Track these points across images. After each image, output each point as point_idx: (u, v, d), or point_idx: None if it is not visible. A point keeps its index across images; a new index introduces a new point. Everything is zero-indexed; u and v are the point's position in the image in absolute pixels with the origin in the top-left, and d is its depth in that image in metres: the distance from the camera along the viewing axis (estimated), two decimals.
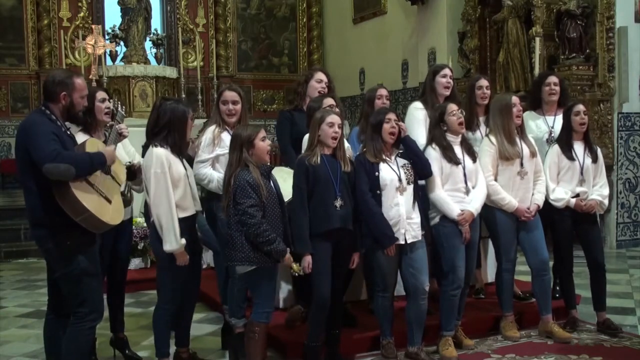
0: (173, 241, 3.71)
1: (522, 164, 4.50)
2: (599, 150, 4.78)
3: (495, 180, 4.48)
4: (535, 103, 5.17)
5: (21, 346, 4.75)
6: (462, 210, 4.23)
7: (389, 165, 4.08)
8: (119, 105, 4.07)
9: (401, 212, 4.04)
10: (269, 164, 3.89)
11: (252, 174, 3.68)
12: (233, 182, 3.69)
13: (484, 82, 4.96)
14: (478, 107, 4.93)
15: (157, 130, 3.83)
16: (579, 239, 4.74)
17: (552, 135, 4.96)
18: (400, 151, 4.19)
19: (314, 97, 4.72)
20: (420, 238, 4.11)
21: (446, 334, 4.32)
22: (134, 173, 4.08)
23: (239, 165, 3.72)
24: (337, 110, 4.27)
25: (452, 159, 4.26)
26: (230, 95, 4.35)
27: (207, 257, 6.15)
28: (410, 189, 4.10)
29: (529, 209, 4.50)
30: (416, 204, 4.12)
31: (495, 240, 4.65)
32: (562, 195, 4.59)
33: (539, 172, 4.62)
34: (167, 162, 3.75)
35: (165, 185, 3.73)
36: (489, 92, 4.94)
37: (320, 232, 3.88)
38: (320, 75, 4.90)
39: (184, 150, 3.94)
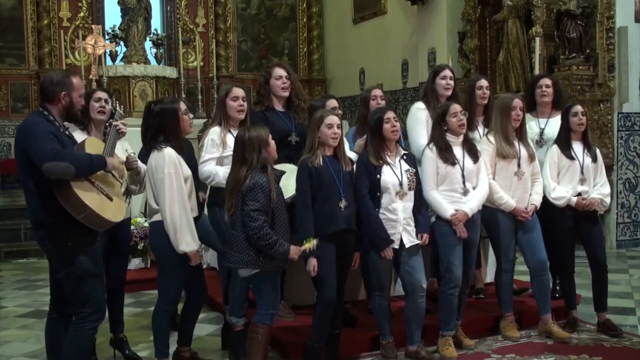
0: (190, 241, 3.72)
1: (519, 165, 4.50)
2: (597, 150, 4.79)
3: (493, 179, 4.48)
4: (529, 105, 5.16)
5: (21, 346, 4.75)
6: (456, 210, 4.22)
7: (392, 169, 4.08)
8: (117, 104, 4.09)
9: (399, 217, 4.05)
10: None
11: (266, 177, 3.64)
12: (248, 182, 3.63)
13: (484, 83, 4.97)
14: (477, 107, 4.95)
15: (152, 135, 3.83)
16: (581, 238, 4.74)
17: (543, 137, 4.97)
18: (405, 153, 4.19)
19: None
20: (416, 242, 4.11)
21: (446, 334, 4.32)
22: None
23: (257, 165, 3.67)
24: (339, 112, 4.25)
25: (449, 160, 4.24)
26: (240, 91, 4.37)
27: (207, 257, 6.15)
28: (410, 194, 4.10)
29: (526, 209, 4.50)
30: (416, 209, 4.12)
31: (494, 241, 4.65)
32: (562, 193, 4.59)
33: (537, 174, 4.62)
34: (178, 162, 3.76)
35: (180, 185, 3.74)
36: (488, 92, 4.96)
37: (326, 233, 3.87)
38: (278, 72, 4.68)
39: (183, 149, 3.90)
